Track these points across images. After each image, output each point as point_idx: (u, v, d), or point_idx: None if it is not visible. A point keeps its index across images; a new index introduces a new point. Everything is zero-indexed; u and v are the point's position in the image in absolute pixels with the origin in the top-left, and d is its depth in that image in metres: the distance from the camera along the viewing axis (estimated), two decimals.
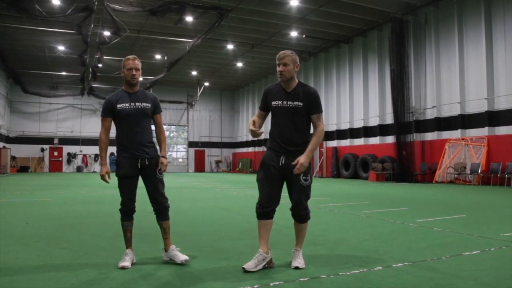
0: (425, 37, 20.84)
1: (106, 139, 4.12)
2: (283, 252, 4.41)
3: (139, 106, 4.09)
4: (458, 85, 18.91)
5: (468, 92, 18.71)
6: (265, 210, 3.88)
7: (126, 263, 3.84)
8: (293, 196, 3.92)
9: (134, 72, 4.07)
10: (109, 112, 4.08)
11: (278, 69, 3.91)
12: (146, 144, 4.10)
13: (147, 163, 4.06)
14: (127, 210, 4.06)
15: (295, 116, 3.90)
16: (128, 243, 4.06)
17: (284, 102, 3.91)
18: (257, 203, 3.93)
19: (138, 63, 4.11)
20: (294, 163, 3.77)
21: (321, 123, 3.95)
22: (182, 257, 3.98)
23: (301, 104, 3.88)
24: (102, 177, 4.03)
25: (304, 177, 3.86)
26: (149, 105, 4.15)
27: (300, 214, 3.95)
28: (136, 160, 4.02)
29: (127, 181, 4.03)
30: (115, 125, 4.12)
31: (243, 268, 3.72)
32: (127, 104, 4.06)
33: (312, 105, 3.91)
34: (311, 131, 4.03)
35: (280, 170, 3.89)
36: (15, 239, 5.26)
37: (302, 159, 3.75)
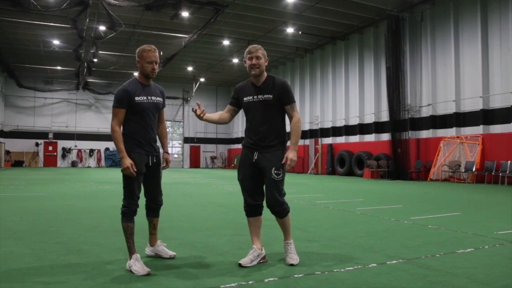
0: (421, 34, 20.89)
1: (121, 131, 3.80)
2: (277, 248, 4.41)
3: (154, 100, 3.91)
4: (454, 83, 18.97)
5: (464, 90, 18.77)
6: (251, 208, 3.97)
7: (146, 268, 3.52)
8: (267, 192, 3.92)
9: (154, 66, 3.86)
10: (125, 103, 3.76)
11: (250, 62, 3.91)
12: (155, 140, 3.98)
13: (155, 160, 3.93)
14: (135, 208, 3.79)
15: (266, 109, 3.92)
16: (134, 247, 3.70)
17: (255, 97, 3.95)
18: (243, 202, 4.01)
19: (157, 55, 3.90)
20: (283, 161, 3.82)
21: (295, 113, 3.94)
22: (170, 252, 3.95)
23: (271, 96, 3.90)
24: (128, 169, 3.66)
25: (276, 171, 3.86)
26: (161, 100, 4.01)
27: (276, 210, 3.92)
28: (147, 157, 3.85)
29: (139, 178, 3.80)
30: (126, 117, 3.82)
31: (239, 263, 3.77)
32: (145, 98, 3.84)
33: (283, 96, 3.92)
34: (286, 125, 4.03)
35: (255, 166, 3.93)
36: (8, 233, 5.24)
37: (290, 155, 3.81)
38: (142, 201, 3.91)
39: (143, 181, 3.93)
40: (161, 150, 4.10)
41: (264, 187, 4.00)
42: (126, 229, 3.73)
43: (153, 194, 4.00)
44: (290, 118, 3.95)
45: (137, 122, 3.83)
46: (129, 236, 3.72)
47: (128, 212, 3.76)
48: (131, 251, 3.67)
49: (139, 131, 3.83)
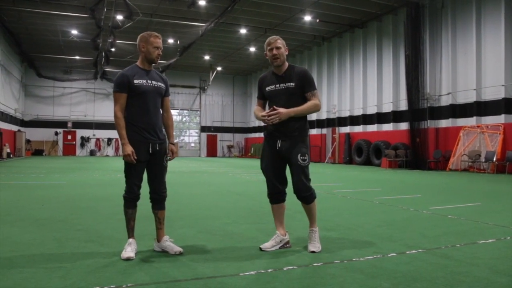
0: (442, 22, 20.46)
1: (123, 117, 3.76)
2: (296, 237, 4.40)
3: (156, 85, 3.86)
4: (475, 71, 18.59)
5: (485, 79, 18.39)
6: (274, 195, 4.07)
7: (131, 253, 3.60)
8: (294, 178, 3.98)
9: (160, 52, 3.87)
10: (125, 87, 3.74)
11: (271, 53, 3.99)
12: (159, 127, 3.88)
13: (157, 148, 3.84)
14: (134, 197, 3.80)
15: (289, 97, 3.97)
16: (131, 233, 3.82)
17: (277, 85, 4.02)
18: (267, 189, 4.11)
19: (161, 43, 3.92)
20: (269, 111, 3.79)
21: (316, 99, 3.96)
22: (176, 248, 3.79)
23: (293, 84, 3.97)
24: (128, 157, 3.66)
25: (302, 157, 3.93)
26: (163, 85, 3.96)
27: (304, 196, 3.98)
28: (147, 144, 3.77)
29: (137, 166, 3.75)
30: (126, 103, 3.79)
31: (260, 247, 3.90)
32: (144, 81, 3.80)
33: (304, 84, 3.98)
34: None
35: (279, 154, 3.99)
36: (31, 220, 5.34)
37: (282, 109, 3.78)
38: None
39: (148, 170, 3.90)
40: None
41: (286, 174, 4.07)
42: (125, 215, 3.85)
43: (155, 184, 3.90)
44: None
45: (138, 107, 3.79)
46: (127, 221, 3.83)
47: (126, 199, 3.82)
48: (128, 235, 3.82)
49: (139, 116, 3.78)
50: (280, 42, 4.00)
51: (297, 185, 3.95)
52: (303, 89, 3.97)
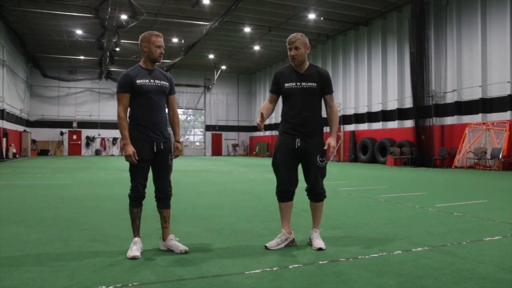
0: (447, 19, 20.37)
1: (126, 117, 3.79)
2: (302, 235, 4.39)
3: (159, 84, 3.85)
4: (480, 68, 18.50)
5: (490, 75, 18.29)
6: (284, 194, 4.02)
7: (136, 252, 3.60)
8: (310, 177, 4.00)
9: (162, 51, 3.87)
10: (128, 88, 3.76)
11: (290, 53, 3.96)
12: (163, 126, 3.88)
13: (162, 147, 3.84)
14: (138, 195, 3.81)
15: (309, 97, 3.97)
16: (137, 232, 3.84)
17: (298, 84, 3.96)
18: (276, 187, 4.05)
19: (163, 42, 3.92)
20: (325, 147, 3.95)
21: (334, 103, 4.13)
22: (181, 247, 3.79)
23: (315, 84, 3.95)
24: (129, 157, 3.68)
25: (320, 158, 3.98)
26: (167, 84, 3.94)
27: (317, 194, 4.04)
28: (152, 143, 3.78)
29: (142, 165, 3.77)
30: (130, 102, 3.82)
31: (266, 246, 3.89)
32: (147, 80, 3.80)
33: (325, 86, 4.01)
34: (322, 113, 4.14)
35: (296, 153, 3.97)
36: (37, 220, 5.36)
37: (332, 142, 3.96)
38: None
39: (152, 169, 3.90)
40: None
41: (297, 174, 4.05)
42: (130, 214, 3.86)
43: (161, 183, 3.91)
44: (329, 107, 4.09)
45: (141, 106, 3.80)
46: (132, 220, 3.86)
47: (131, 198, 3.83)
48: (133, 234, 3.84)
49: (143, 116, 3.79)
50: (300, 42, 3.92)
51: (314, 184, 4.00)
52: (323, 90, 4.00)
